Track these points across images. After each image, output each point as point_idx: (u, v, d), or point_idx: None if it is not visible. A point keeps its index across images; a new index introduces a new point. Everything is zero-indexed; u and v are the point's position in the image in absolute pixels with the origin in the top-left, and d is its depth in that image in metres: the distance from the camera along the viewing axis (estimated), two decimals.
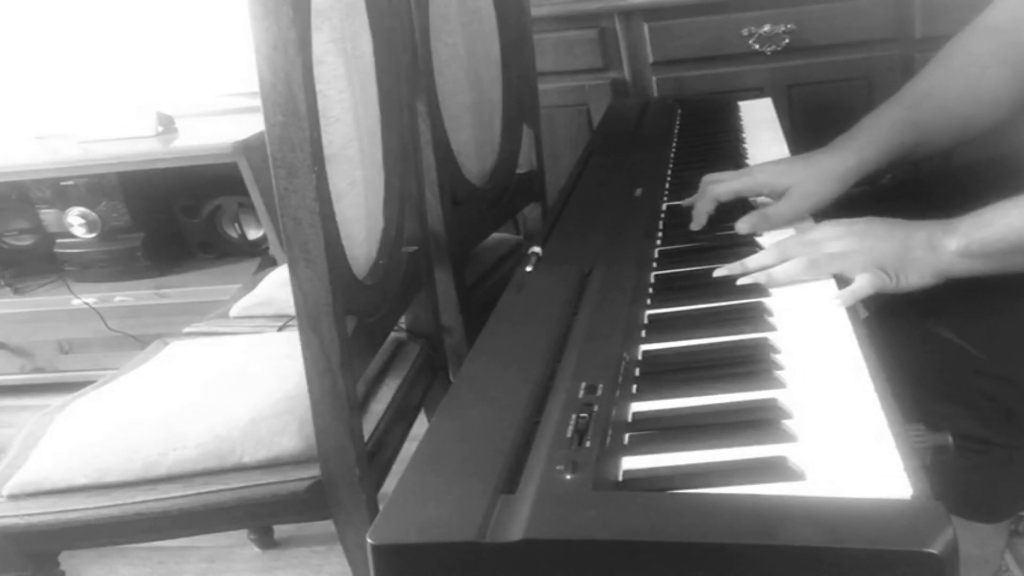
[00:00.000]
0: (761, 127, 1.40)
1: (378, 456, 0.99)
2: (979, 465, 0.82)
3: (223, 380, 1.06)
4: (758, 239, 0.91)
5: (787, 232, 0.90)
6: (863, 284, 0.76)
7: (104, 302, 2.13)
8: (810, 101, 1.81)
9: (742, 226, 0.93)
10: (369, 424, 1.01)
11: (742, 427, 0.58)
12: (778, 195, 0.95)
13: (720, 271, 0.83)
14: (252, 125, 1.95)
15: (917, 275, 0.76)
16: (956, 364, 0.82)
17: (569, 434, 0.56)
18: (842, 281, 0.78)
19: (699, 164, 1.16)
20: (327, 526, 0.95)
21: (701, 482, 0.53)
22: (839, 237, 0.79)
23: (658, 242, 0.95)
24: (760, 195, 0.99)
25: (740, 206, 0.99)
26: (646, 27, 1.81)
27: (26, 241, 2.28)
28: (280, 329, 1.29)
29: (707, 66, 1.83)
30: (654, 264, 0.89)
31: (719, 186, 0.98)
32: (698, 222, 0.97)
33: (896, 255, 0.76)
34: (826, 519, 0.46)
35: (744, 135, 1.36)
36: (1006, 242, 0.74)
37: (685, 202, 1.02)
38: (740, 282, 0.80)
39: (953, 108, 0.97)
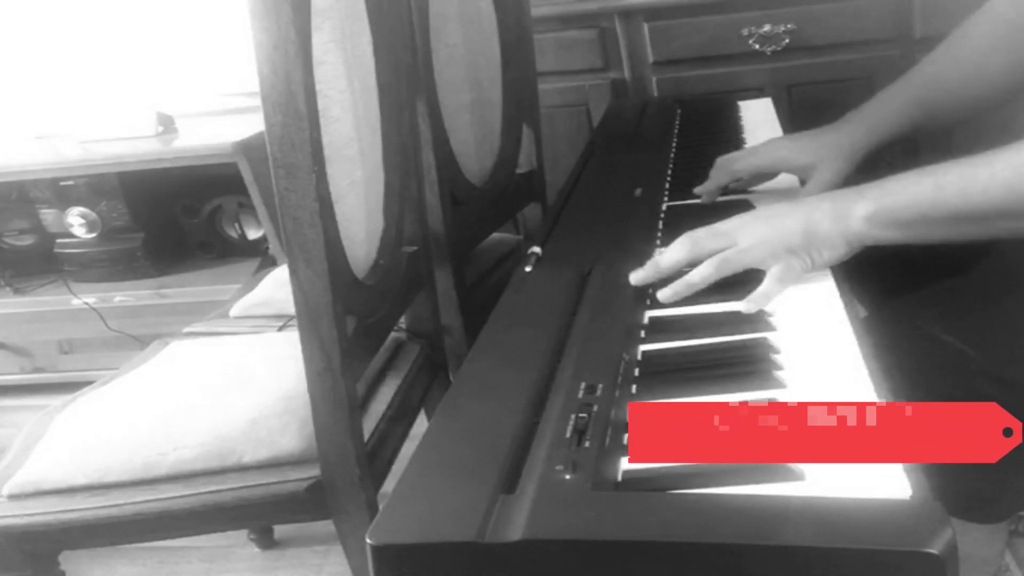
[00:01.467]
0: (761, 127, 1.40)
1: (378, 456, 0.99)
2: (978, 465, 0.82)
3: (223, 380, 1.07)
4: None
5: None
6: (770, 286, 0.76)
7: (104, 302, 2.13)
8: (810, 101, 1.81)
9: None
10: (369, 424, 1.01)
11: None
12: (797, 171, 0.98)
13: (634, 275, 0.81)
14: (252, 125, 1.95)
15: (829, 248, 0.76)
16: (954, 365, 0.82)
17: (569, 434, 0.56)
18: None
19: (699, 164, 1.16)
20: (327, 526, 0.95)
21: (701, 482, 0.53)
22: (746, 225, 0.79)
23: (658, 242, 0.95)
24: (778, 171, 1.00)
25: (741, 205, 0.99)
26: (646, 27, 1.81)
27: (26, 241, 2.27)
28: (280, 329, 1.29)
29: (707, 66, 1.83)
30: None
31: (739, 162, 1.00)
32: (708, 194, 1.00)
33: (802, 232, 0.76)
34: (826, 519, 0.46)
35: (744, 135, 1.36)
36: (912, 211, 0.72)
37: (698, 189, 1.04)
38: (660, 297, 0.79)
39: (958, 91, 0.99)
